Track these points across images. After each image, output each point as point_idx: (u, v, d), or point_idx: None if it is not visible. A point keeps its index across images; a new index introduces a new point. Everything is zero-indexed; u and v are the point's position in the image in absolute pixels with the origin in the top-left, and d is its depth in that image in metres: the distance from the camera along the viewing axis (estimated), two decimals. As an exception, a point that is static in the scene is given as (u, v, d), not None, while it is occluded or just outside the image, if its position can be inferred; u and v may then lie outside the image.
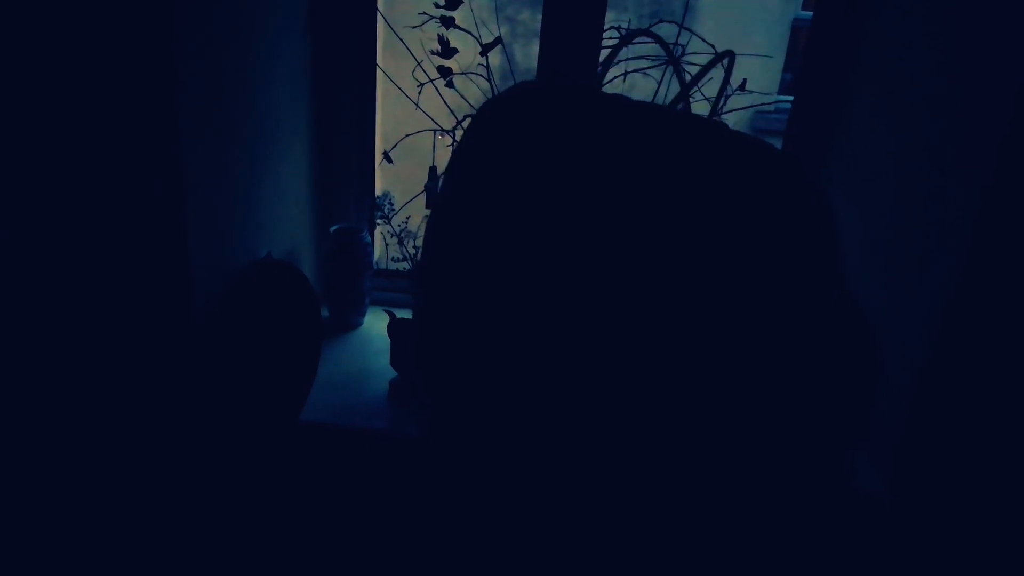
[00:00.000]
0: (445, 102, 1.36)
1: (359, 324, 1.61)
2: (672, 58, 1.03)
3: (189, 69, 0.99)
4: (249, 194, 1.24)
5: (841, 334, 0.38)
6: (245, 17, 1.15)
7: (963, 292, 1.05)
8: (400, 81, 1.42)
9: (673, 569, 0.40)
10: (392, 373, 1.41)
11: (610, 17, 1.39)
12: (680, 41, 1.21)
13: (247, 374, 1.15)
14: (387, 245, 1.50)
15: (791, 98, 1.51)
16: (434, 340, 0.43)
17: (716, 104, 1.06)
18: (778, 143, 1.49)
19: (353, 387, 1.40)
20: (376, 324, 1.61)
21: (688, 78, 1.09)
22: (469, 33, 1.32)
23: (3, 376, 1.07)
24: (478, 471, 0.43)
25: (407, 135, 1.42)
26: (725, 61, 1.06)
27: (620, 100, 0.41)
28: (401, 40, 1.39)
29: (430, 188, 1.43)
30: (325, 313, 1.58)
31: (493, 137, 0.41)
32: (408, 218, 1.47)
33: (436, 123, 1.38)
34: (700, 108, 1.18)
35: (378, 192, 1.62)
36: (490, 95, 1.34)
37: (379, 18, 1.49)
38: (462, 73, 1.35)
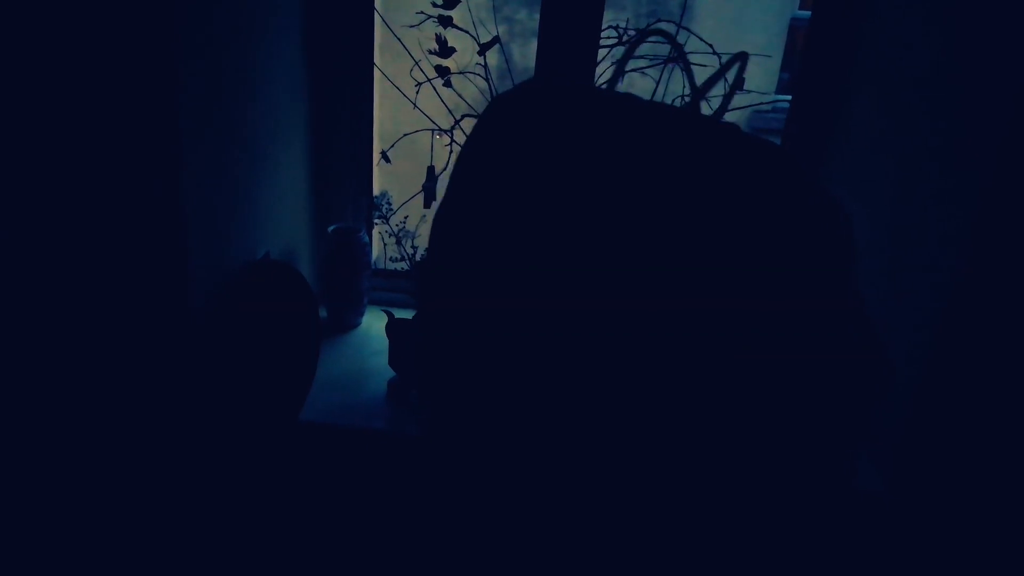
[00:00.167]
0: (443, 101, 1.36)
1: (357, 324, 1.61)
2: (684, 59, 1.04)
3: (189, 69, 0.99)
4: (248, 194, 1.23)
5: (848, 339, 0.38)
6: (245, 17, 1.15)
7: (963, 292, 1.05)
8: (398, 81, 1.42)
9: (673, 569, 0.40)
10: (390, 373, 1.41)
11: (608, 16, 1.39)
12: (678, 40, 1.21)
13: (245, 374, 1.15)
14: (385, 245, 1.50)
15: (789, 97, 1.51)
16: (436, 339, 0.43)
17: (724, 104, 1.07)
18: (776, 142, 1.49)
19: (352, 387, 1.40)
20: (374, 324, 1.60)
21: (698, 80, 1.09)
22: (467, 32, 1.32)
23: (1, 375, 1.06)
24: (478, 471, 0.43)
25: (405, 135, 1.42)
26: (736, 64, 1.07)
27: (631, 100, 0.40)
28: (399, 40, 1.38)
29: (428, 188, 1.43)
30: (323, 313, 1.58)
31: (504, 135, 0.41)
32: (406, 218, 1.47)
33: (434, 123, 1.38)
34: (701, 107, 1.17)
35: (376, 192, 1.62)
36: (488, 95, 1.34)
37: (377, 18, 1.49)
38: (460, 72, 1.35)
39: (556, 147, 0.38)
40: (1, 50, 0.94)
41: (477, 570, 0.46)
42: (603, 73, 1.33)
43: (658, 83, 1.26)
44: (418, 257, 1.46)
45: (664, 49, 1.23)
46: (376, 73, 1.53)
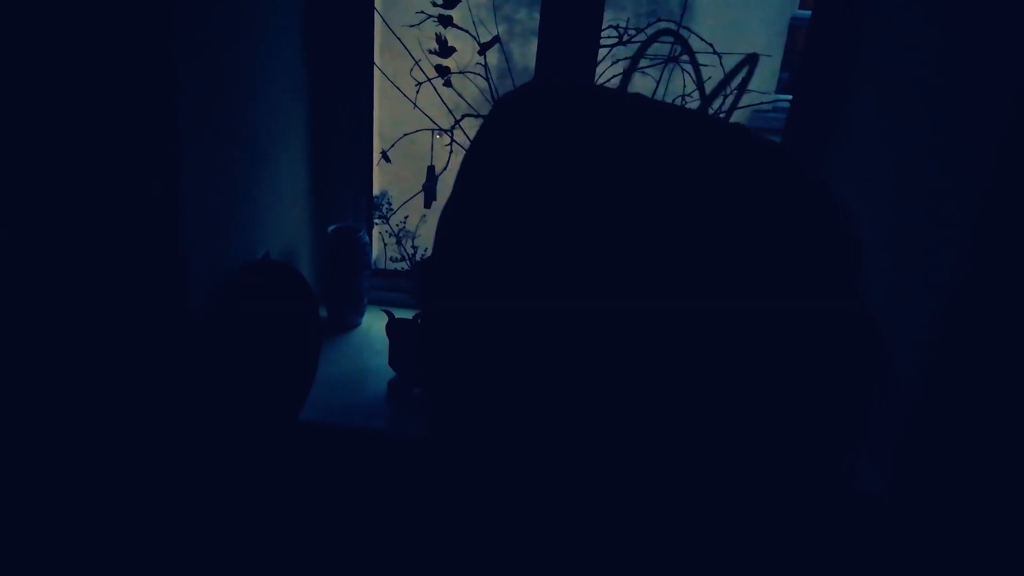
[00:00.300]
0: (443, 101, 1.36)
1: (357, 324, 1.61)
2: (693, 59, 1.04)
3: (189, 69, 0.99)
4: (248, 194, 1.23)
5: (852, 340, 0.38)
6: (245, 17, 1.15)
7: (963, 292, 1.05)
8: (398, 80, 1.42)
9: (673, 569, 0.40)
10: (391, 373, 1.41)
11: (608, 16, 1.39)
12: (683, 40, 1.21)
13: (246, 374, 1.15)
14: (385, 245, 1.50)
15: (789, 97, 1.51)
16: (438, 339, 0.43)
17: (734, 104, 1.08)
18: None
19: (352, 387, 1.40)
20: (374, 324, 1.60)
21: (703, 78, 1.10)
22: (467, 32, 1.32)
23: (1, 375, 1.06)
24: (479, 471, 0.43)
25: (405, 134, 1.42)
26: (746, 68, 1.07)
27: (639, 99, 0.40)
28: (399, 39, 1.38)
29: (428, 188, 1.43)
30: (323, 313, 1.58)
31: (509, 137, 0.41)
32: (406, 218, 1.47)
33: (434, 122, 1.38)
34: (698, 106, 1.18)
35: (376, 192, 1.62)
36: (488, 94, 1.34)
37: (377, 17, 1.49)
38: (460, 72, 1.35)
39: (561, 148, 0.38)
40: (1, 50, 0.94)
41: (477, 570, 0.46)
42: (603, 73, 1.33)
43: (658, 83, 1.26)
44: (418, 257, 1.46)
45: (665, 49, 1.23)
46: (376, 73, 1.53)
